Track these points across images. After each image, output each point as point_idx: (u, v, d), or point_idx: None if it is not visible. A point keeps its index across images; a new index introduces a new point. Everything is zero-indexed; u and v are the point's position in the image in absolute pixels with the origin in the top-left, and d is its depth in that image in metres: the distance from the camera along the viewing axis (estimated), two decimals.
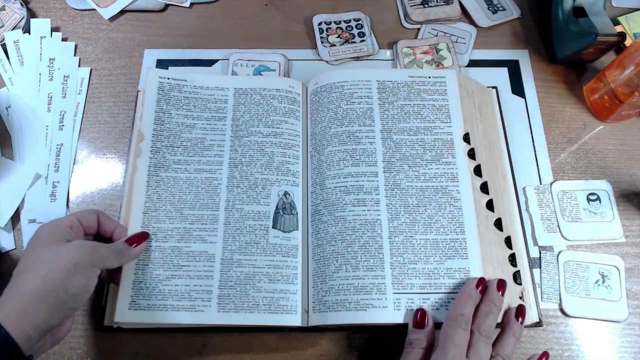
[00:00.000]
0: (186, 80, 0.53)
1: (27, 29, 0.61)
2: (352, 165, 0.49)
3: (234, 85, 0.54)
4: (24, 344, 0.34)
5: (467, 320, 0.40)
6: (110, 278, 0.45)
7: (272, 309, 0.44)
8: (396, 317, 0.43)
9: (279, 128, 0.51)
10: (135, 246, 0.44)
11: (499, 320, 0.43)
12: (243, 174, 0.49)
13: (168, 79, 0.53)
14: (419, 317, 0.42)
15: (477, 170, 0.49)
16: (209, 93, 0.53)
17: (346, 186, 0.48)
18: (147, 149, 0.50)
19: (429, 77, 0.53)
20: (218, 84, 0.54)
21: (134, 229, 0.46)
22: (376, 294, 0.44)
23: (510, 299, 0.45)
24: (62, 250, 0.38)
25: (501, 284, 0.43)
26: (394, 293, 0.44)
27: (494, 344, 0.41)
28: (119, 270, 0.45)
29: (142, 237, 0.45)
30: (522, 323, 0.42)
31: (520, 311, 0.43)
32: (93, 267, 0.39)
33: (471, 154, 0.50)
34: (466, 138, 0.50)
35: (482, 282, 0.43)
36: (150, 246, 0.46)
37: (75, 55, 0.61)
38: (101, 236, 0.45)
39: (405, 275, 0.44)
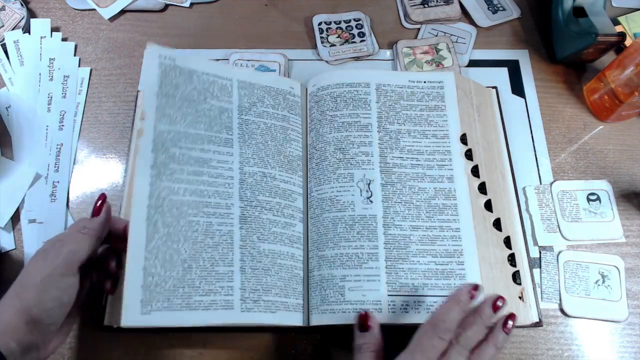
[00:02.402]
0: (187, 65, 0.48)
1: (27, 29, 0.61)
2: (350, 166, 0.49)
3: (238, 78, 0.51)
4: (8, 357, 0.34)
5: (448, 328, 0.36)
6: (104, 285, 0.44)
7: (274, 309, 0.44)
8: (392, 318, 0.43)
9: (280, 128, 0.51)
10: (98, 215, 0.41)
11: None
12: (249, 175, 0.47)
13: (168, 58, 0.47)
14: (361, 320, 0.41)
15: (475, 171, 0.49)
16: (212, 83, 0.49)
17: (344, 188, 0.48)
18: (148, 147, 0.45)
19: (427, 82, 0.53)
20: (221, 73, 0.50)
21: (137, 228, 0.44)
22: (372, 295, 0.44)
23: (510, 299, 0.45)
24: (32, 266, 0.38)
25: (495, 303, 0.38)
26: (389, 295, 0.44)
27: (473, 351, 0.37)
28: (115, 283, 0.44)
29: (101, 203, 0.41)
30: (507, 334, 0.38)
31: (508, 320, 0.38)
32: (64, 276, 0.37)
33: (468, 155, 0.50)
34: (463, 139, 0.50)
35: (476, 289, 0.38)
36: (154, 246, 0.46)
37: (75, 55, 0.61)
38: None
39: (400, 278, 0.44)
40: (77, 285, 0.38)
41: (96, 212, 0.42)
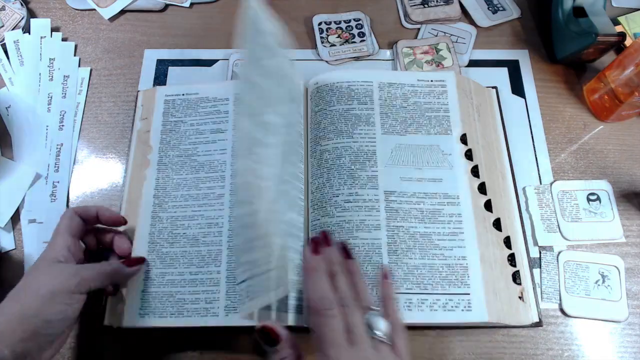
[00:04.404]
0: (190, 94, 0.54)
1: (27, 29, 0.61)
2: (352, 166, 0.49)
3: (235, 91, 0.54)
4: None
5: (330, 300, 0.35)
6: (105, 288, 0.45)
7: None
8: None
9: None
10: (131, 267, 0.44)
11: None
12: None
13: (173, 95, 0.54)
14: (268, 333, 0.37)
15: (475, 171, 0.49)
16: (211, 102, 0.54)
17: (345, 187, 0.48)
18: (154, 162, 0.51)
19: (429, 81, 0.53)
20: (219, 92, 0.54)
21: (141, 234, 0.47)
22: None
23: (510, 299, 0.45)
24: (43, 276, 0.38)
25: (325, 239, 0.38)
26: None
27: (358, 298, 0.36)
28: (116, 287, 0.45)
29: (139, 261, 0.45)
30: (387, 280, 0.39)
31: (385, 275, 0.40)
32: (72, 293, 0.38)
33: (468, 155, 0.50)
34: (463, 139, 0.50)
35: (316, 243, 0.38)
36: (157, 248, 0.47)
37: (75, 55, 0.61)
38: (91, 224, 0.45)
39: (402, 276, 0.44)
40: (83, 301, 0.39)
41: (131, 263, 0.44)
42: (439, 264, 0.45)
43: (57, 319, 0.37)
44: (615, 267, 0.49)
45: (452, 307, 0.43)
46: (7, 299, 0.37)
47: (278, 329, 0.37)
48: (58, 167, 0.54)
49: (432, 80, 0.53)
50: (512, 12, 0.64)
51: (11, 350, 0.34)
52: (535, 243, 0.50)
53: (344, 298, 0.36)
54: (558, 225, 0.51)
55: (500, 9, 0.64)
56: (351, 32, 0.62)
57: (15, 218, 0.51)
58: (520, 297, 0.46)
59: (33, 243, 0.50)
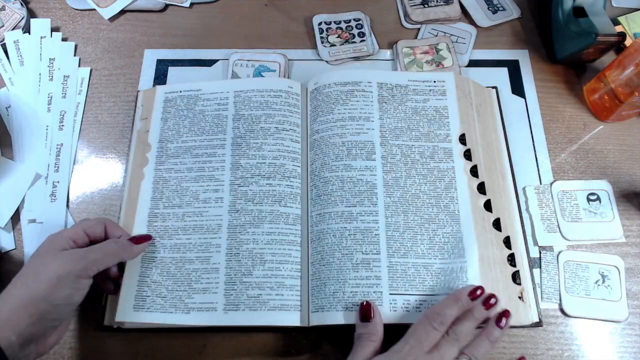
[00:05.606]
0: (189, 91, 0.54)
1: (27, 29, 0.61)
2: (351, 166, 0.49)
3: (234, 89, 0.54)
4: (6, 349, 0.34)
5: (443, 321, 0.38)
6: (105, 286, 0.45)
7: (274, 309, 0.44)
8: (392, 317, 0.43)
9: (278, 129, 0.52)
10: (139, 244, 0.44)
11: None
12: (244, 178, 0.49)
13: (172, 92, 0.54)
14: (364, 310, 0.41)
15: (474, 171, 0.49)
16: (210, 100, 0.54)
17: (344, 188, 0.48)
18: (153, 159, 0.51)
19: (428, 81, 0.53)
20: (218, 89, 0.54)
21: (139, 229, 0.48)
22: (373, 294, 0.44)
23: (510, 299, 0.45)
24: (50, 260, 0.38)
25: (488, 301, 0.40)
26: (390, 294, 0.44)
27: (468, 345, 0.39)
28: (117, 285, 0.45)
29: (145, 238, 0.46)
30: (501, 328, 0.40)
31: (502, 316, 0.40)
32: (79, 277, 0.38)
33: (467, 155, 0.50)
34: (462, 139, 0.50)
35: (478, 291, 0.41)
36: (154, 246, 0.47)
37: (75, 55, 0.61)
38: None
39: (401, 276, 0.44)
40: (88, 288, 0.40)
41: (138, 241, 0.45)
42: (437, 264, 0.45)
43: (64, 303, 0.38)
44: (615, 267, 0.49)
45: None
46: (13, 285, 0.37)
47: (374, 309, 0.41)
48: (58, 167, 0.54)
49: (431, 80, 0.53)
50: (512, 12, 0.64)
51: (18, 335, 0.35)
52: (535, 243, 0.50)
53: (459, 333, 0.39)
54: (558, 225, 0.51)
55: (500, 9, 0.64)
56: (351, 32, 0.62)
57: (15, 218, 0.51)
58: (520, 297, 0.45)
59: (33, 243, 0.50)
